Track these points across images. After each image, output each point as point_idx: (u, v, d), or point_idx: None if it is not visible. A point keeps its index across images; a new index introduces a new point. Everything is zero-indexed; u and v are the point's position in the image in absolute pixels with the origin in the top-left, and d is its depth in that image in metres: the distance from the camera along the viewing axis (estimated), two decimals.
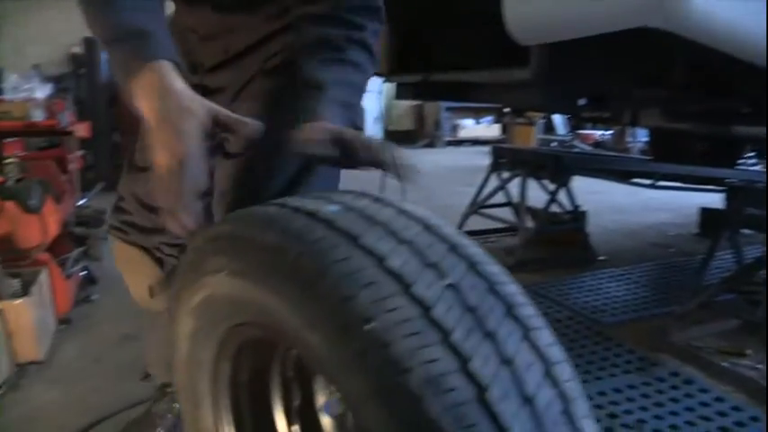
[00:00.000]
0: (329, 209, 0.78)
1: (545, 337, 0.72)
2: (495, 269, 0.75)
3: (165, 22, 1.01)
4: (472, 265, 0.73)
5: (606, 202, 5.35)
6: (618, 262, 3.63)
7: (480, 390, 0.62)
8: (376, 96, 11.40)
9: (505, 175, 4.16)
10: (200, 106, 0.88)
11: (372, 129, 11.63)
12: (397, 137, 10.69)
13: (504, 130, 11.07)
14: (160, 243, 1.46)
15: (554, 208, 3.84)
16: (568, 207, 3.89)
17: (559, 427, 0.65)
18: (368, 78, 1.20)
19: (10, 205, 2.48)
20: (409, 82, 2.75)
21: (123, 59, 0.90)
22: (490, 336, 0.66)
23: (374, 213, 0.77)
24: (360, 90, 1.19)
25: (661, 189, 4.06)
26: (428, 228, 0.77)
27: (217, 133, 0.92)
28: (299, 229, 0.75)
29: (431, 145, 11.16)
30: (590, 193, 4.88)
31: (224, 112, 0.91)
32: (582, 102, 2.01)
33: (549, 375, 0.68)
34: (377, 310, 0.65)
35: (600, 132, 9.32)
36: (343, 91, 1.12)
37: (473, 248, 0.77)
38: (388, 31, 2.77)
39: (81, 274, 2.92)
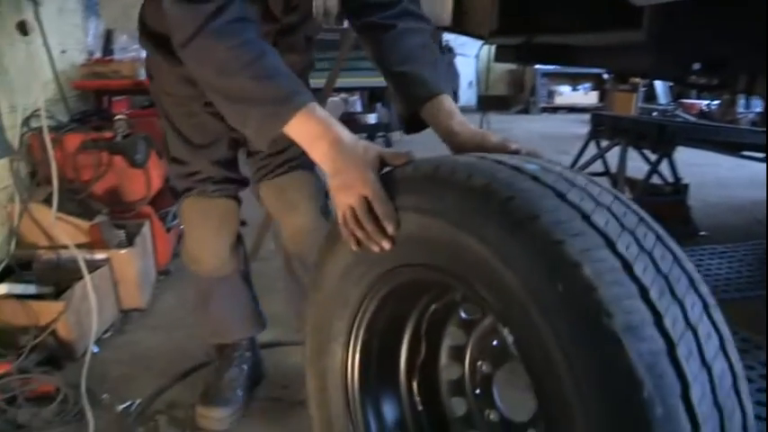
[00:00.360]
0: (531, 167, 0.84)
1: (719, 314, 0.76)
2: (676, 246, 0.81)
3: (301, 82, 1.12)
4: (659, 238, 0.80)
5: (710, 176, 5.05)
6: (720, 238, 3.43)
7: (670, 345, 0.68)
8: (472, 61, 11.18)
9: (604, 143, 4.01)
10: (373, 154, 1.02)
11: (466, 94, 11.47)
12: (490, 102, 10.49)
13: (603, 97, 10.63)
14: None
15: (654, 179, 3.67)
16: (670, 179, 3.70)
17: (730, 399, 0.71)
18: (431, 38, 1.37)
19: (118, 160, 2.59)
20: (510, 44, 2.65)
21: (273, 116, 1.06)
22: (678, 301, 0.72)
23: (572, 178, 0.83)
24: (434, 49, 1.36)
25: None
26: (618, 198, 0.82)
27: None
28: (506, 177, 0.80)
29: (525, 111, 10.88)
30: (693, 165, 4.63)
31: (386, 151, 1.03)
32: (696, 66, 1.87)
33: (723, 349, 0.73)
34: (585, 258, 0.71)
35: (705, 102, 8.78)
36: (430, 59, 1.30)
37: (657, 224, 0.82)
38: None
39: (180, 227, 3.04)
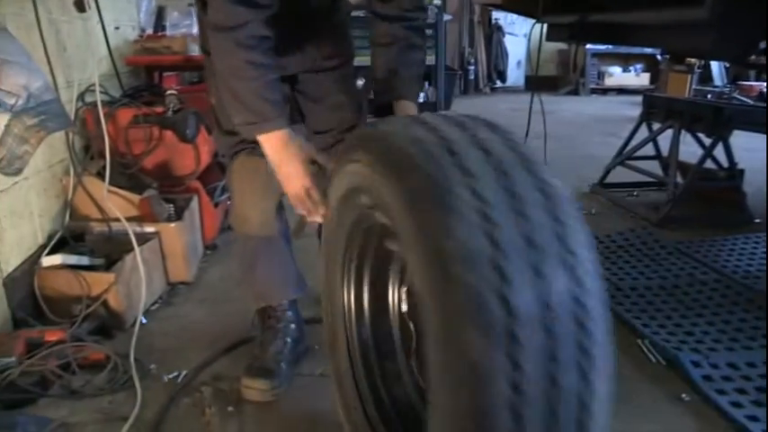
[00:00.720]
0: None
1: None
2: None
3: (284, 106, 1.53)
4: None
5: None
6: None
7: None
8: (521, 40, 10.98)
9: (656, 126, 3.90)
10: (304, 152, 1.48)
11: (515, 73, 11.27)
12: (539, 83, 10.29)
13: (655, 78, 10.32)
14: None
15: (708, 164, 3.56)
16: (724, 164, 3.58)
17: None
18: (425, 52, 1.85)
19: (168, 134, 2.63)
20: (563, 23, 2.59)
21: (263, 120, 1.45)
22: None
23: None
24: (422, 63, 1.83)
25: None
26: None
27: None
28: (418, 136, 0.94)
29: (575, 92, 10.65)
30: (749, 150, 4.46)
31: (316, 155, 1.50)
32: (762, 45, 1.79)
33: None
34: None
35: (765, 84, 8.43)
36: (411, 69, 1.74)
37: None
38: None
39: (227, 202, 3.07)
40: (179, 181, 2.74)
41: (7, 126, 1.33)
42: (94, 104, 2.53)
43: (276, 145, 1.47)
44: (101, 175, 2.50)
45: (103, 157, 2.51)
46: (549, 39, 2.84)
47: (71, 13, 2.60)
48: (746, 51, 1.84)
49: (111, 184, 2.46)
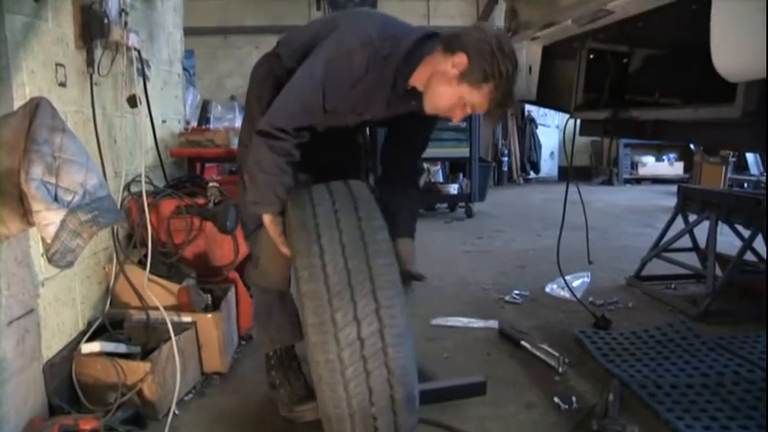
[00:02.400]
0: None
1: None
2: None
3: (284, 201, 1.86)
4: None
5: None
6: None
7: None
8: (554, 131, 11.15)
9: (693, 217, 3.88)
10: (275, 227, 1.91)
11: (548, 164, 11.38)
12: (572, 173, 10.35)
13: (689, 167, 10.33)
14: None
15: (748, 256, 3.50)
16: (764, 256, 3.52)
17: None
18: (420, 197, 2.63)
19: (209, 225, 2.70)
20: (597, 119, 2.65)
21: (267, 204, 1.88)
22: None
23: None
24: (417, 210, 2.38)
25: None
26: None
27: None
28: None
29: (608, 182, 10.70)
30: None
31: (277, 237, 1.93)
32: None
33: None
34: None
35: None
36: (410, 211, 2.26)
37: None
38: (578, 68, 2.71)
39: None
40: (217, 271, 2.80)
41: (63, 221, 1.40)
42: (139, 194, 2.62)
43: (268, 218, 1.91)
44: (142, 263, 2.56)
45: (145, 245, 2.57)
46: (582, 134, 2.90)
47: (123, 108, 2.74)
48: None
49: (151, 272, 2.51)
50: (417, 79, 1.89)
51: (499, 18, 2.65)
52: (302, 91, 1.83)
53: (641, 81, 2.79)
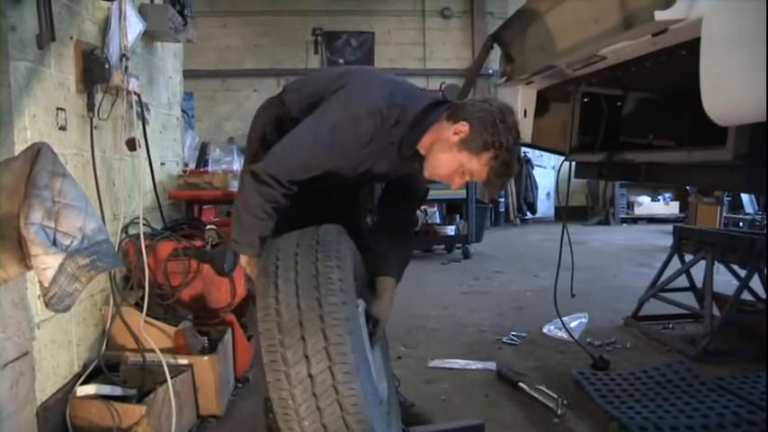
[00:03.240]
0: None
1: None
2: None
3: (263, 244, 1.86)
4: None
5: None
6: None
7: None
8: (550, 171, 11.24)
9: (689, 257, 3.89)
10: (251, 269, 1.93)
11: (544, 204, 11.44)
12: (569, 213, 10.39)
13: (684, 206, 10.40)
14: None
15: (745, 295, 3.50)
16: (762, 295, 3.52)
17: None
18: (412, 246, 2.58)
19: (206, 268, 2.71)
20: (591, 161, 2.69)
21: (247, 246, 1.88)
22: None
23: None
24: (409, 254, 2.36)
25: None
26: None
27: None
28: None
29: (604, 222, 10.75)
30: None
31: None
32: None
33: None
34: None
35: None
36: (399, 256, 2.21)
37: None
38: (572, 111, 2.76)
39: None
40: (214, 313, 2.79)
41: (61, 265, 1.40)
42: (137, 236, 2.64)
43: (244, 259, 1.96)
44: (139, 305, 2.56)
45: (142, 287, 2.58)
46: (577, 176, 2.94)
47: (122, 151, 2.77)
48: None
49: (148, 314, 2.51)
50: (422, 145, 1.93)
51: (494, 62, 2.71)
52: (303, 148, 1.85)
53: (635, 124, 2.83)
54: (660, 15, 1.59)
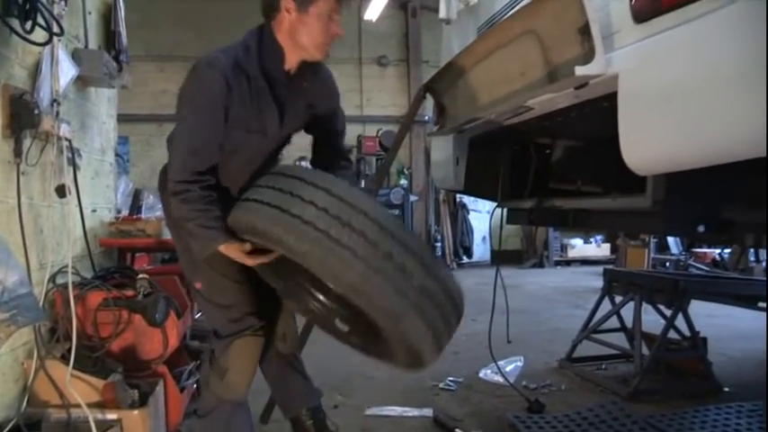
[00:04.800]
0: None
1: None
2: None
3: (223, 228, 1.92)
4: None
5: (730, 328, 4.97)
6: (747, 395, 3.32)
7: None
8: (485, 216, 11.47)
9: (618, 298, 4.02)
10: (235, 250, 1.95)
11: (480, 248, 11.63)
12: (504, 257, 10.60)
13: (616, 248, 10.78)
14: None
15: (671, 334, 3.64)
16: (687, 333, 3.67)
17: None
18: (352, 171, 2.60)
19: (137, 318, 2.63)
20: (522, 207, 2.77)
21: (210, 240, 1.93)
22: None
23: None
24: (353, 176, 2.66)
25: None
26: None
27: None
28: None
29: (539, 265, 10.99)
30: (711, 317, 4.58)
31: (244, 257, 1.96)
32: (701, 228, 1.94)
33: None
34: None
35: (718, 251, 8.84)
36: (349, 178, 2.30)
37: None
38: (503, 159, 2.86)
39: (193, 386, 3.01)
40: (145, 365, 2.70)
41: None
42: (65, 286, 2.55)
43: (224, 248, 1.94)
44: (65, 358, 2.45)
45: (70, 339, 2.48)
46: (509, 222, 3.02)
47: (52, 197, 2.69)
48: (692, 229, 1.97)
49: (75, 367, 2.41)
50: (288, 60, 2.00)
51: (429, 109, 2.81)
52: (182, 138, 1.97)
53: (564, 171, 2.95)
54: (580, 71, 1.68)
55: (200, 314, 3.49)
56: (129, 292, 2.69)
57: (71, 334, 2.46)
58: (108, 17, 3.55)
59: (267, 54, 1.97)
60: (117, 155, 3.98)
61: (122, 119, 4.18)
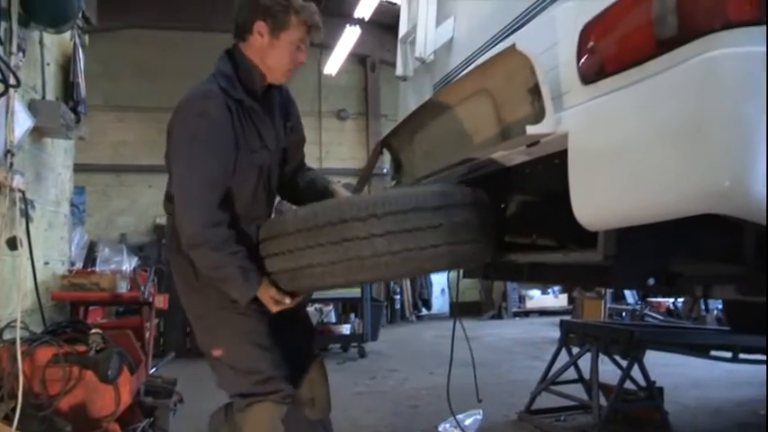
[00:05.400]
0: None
1: None
2: None
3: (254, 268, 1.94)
4: None
5: (684, 377, 5.04)
6: None
7: None
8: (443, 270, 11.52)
9: (576, 350, 4.06)
10: (271, 295, 1.96)
11: (439, 301, 11.64)
12: (463, 309, 10.63)
13: (573, 300, 10.92)
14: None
15: (628, 384, 3.68)
16: (642, 383, 3.71)
17: None
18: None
19: (89, 374, 2.55)
20: None
21: (253, 280, 1.92)
22: None
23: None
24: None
25: (743, 363, 3.87)
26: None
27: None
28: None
29: (498, 316, 11.04)
30: (666, 366, 4.64)
31: (277, 301, 1.97)
32: (651, 281, 1.99)
33: None
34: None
35: (672, 300, 9.04)
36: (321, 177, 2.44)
37: None
38: None
39: None
40: (96, 423, 2.61)
41: None
42: (13, 341, 2.47)
43: (265, 290, 1.93)
44: (8, 418, 2.36)
45: (15, 397, 2.39)
46: (465, 276, 3.05)
47: (2, 250, 2.64)
48: (643, 282, 2.02)
49: (19, 428, 2.31)
50: (257, 63, 2.04)
51: (387, 163, 2.86)
52: (192, 177, 1.92)
53: (519, 225, 3.00)
54: (531, 129, 1.74)
55: (154, 369, 3.40)
56: (81, 348, 2.62)
57: (17, 392, 2.37)
58: (67, 68, 3.55)
59: (246, 75, 2.03)
60: (72, 205, 3.93)
61: (79, 168, 4.14)
